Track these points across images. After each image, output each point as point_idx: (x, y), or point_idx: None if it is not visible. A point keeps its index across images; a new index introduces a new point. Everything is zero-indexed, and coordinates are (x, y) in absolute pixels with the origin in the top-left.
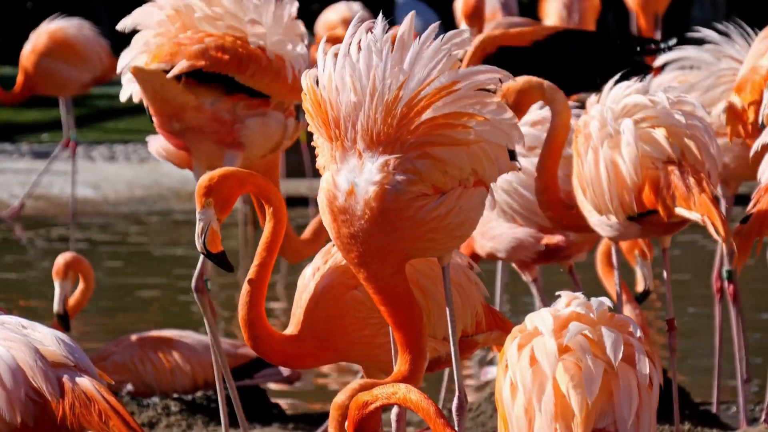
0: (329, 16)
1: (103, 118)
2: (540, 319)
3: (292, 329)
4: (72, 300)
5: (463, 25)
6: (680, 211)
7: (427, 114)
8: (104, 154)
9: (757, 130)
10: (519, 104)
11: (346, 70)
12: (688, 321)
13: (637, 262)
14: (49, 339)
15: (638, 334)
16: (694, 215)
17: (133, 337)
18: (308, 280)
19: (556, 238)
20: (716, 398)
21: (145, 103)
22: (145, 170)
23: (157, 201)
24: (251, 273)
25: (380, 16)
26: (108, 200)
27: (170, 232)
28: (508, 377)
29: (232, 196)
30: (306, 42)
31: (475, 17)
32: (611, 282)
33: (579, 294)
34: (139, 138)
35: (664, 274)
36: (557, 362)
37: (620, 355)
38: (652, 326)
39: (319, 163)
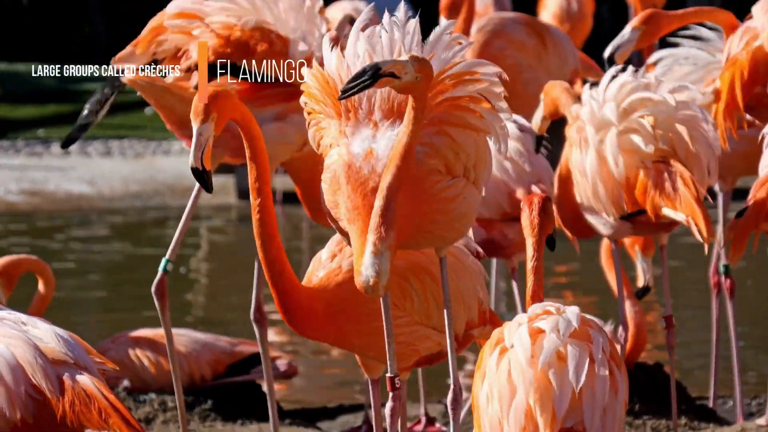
0: (333, 14)
1: None
2: (516, 334)
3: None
4: (31, 308)
5: (442, 19)
6: (666, 211)
7: (450, 93)
8: (99, 149)
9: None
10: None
11: (360, 45)
12: (684, 315)
13: (637, 258)
14: (48, 336)
15: (600, 343)
16: (679, 216)
17: (130, 334)
18: (326, 261)
19: (494, 233)
20: (713, 393)
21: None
22: (140, 166)
23: (152, 196)
24: (255, 222)
25: (402, 2)
26: (103, 196)
27: (165, 227)
28: (486, 384)
29: (228, 117)
30: (323, 31)
31: (453, 10)
32: (614, 276)
33: (550, 306)
34: (135, 134)
35: (663, 269)
36: (530, 378)
37: (583, 379)
38: (651, 325)
39: (325, 143)
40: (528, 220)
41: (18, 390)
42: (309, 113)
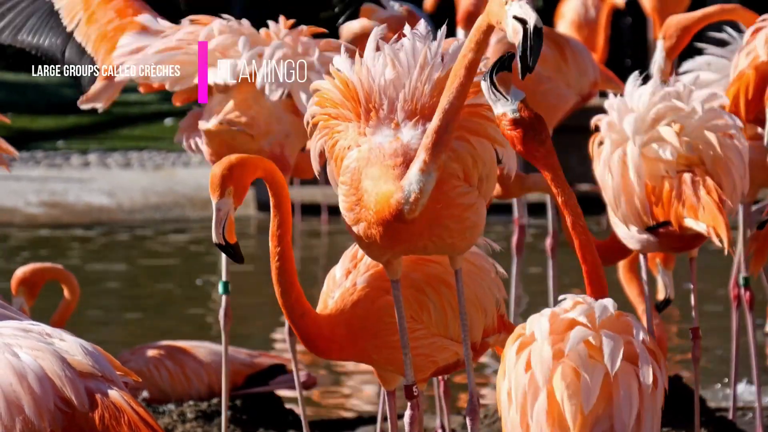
0: (352, 26)
1: (118, 125)
2: (537, 324)
3: (326, 313)
4: (56, 314)
5: (459, 30)
6: (689, 222)
7: (473, 100)
8: (119, 161)
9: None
10: None
11: (385, 51)
12: (703, 326)
13: (658, 271)
14: (75, 348)
15: (641, 336)
16: (701, 226)
17: (149, 345)
18: (340, 279)
19: None
20: (733, 404)
21: (206, 151)
22: (159, 177)
23: (172, 208)
24: (273, 269)
25: (422, 20)
26: (123, 207)
27: (185, 239)
28: (506, 382)
29: (248, 183)
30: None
31: (471, 22)
32: (633, 290)
33: (585, 297)
34: (154, 145)
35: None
36: (552, 369)
37: (618, 363)
38: (670, 336)
39: (342, 145)
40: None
41: (47, 403)
42: (316, 123)
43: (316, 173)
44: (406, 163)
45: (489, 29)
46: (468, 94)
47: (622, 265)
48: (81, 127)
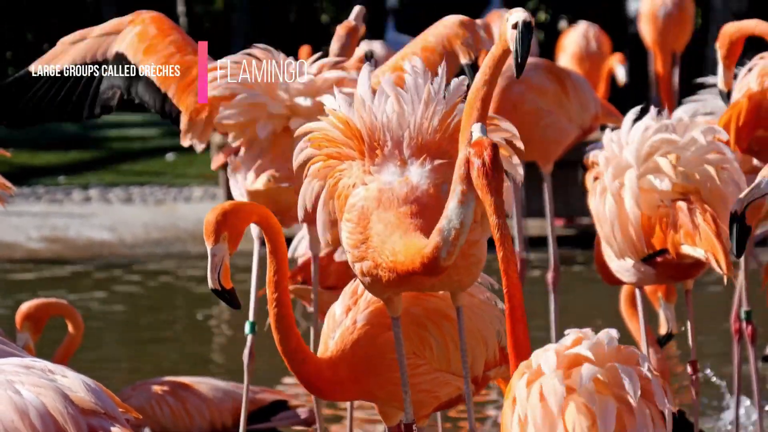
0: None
1: (119, 160)
2: (544, 358)
3: (327, 356)
4: (60, 350)
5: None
6: (686, 248)
7: None
8: (120, 196)
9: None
10: None
11: (386, 87)
12: (704, 360)
13: (660, 305)
14: (77, 385)
15: (646, 365)
16: (698, 252)
17: (150, 382)
18: (340, 317)
19: None
20: None
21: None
22: (161, 212)
23: (173, 243)
24: (272, 315)
25: (419, 60)
26: (125, 242)
27: (187, 273)
28: (516, 413)
29: (243, 229)
30: None
31: None
32: (635, 324)
33: (587, 331)
34: (156, 180)
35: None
36: (565, 401)
37: (638, 393)
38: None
39: (345, 183)
40: (481, 172)
41: None
42: (314, 163)
43: (300, 216)
44: (422, 210)
45: (504, 55)
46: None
47: (623, 300)
48: (82, 163)
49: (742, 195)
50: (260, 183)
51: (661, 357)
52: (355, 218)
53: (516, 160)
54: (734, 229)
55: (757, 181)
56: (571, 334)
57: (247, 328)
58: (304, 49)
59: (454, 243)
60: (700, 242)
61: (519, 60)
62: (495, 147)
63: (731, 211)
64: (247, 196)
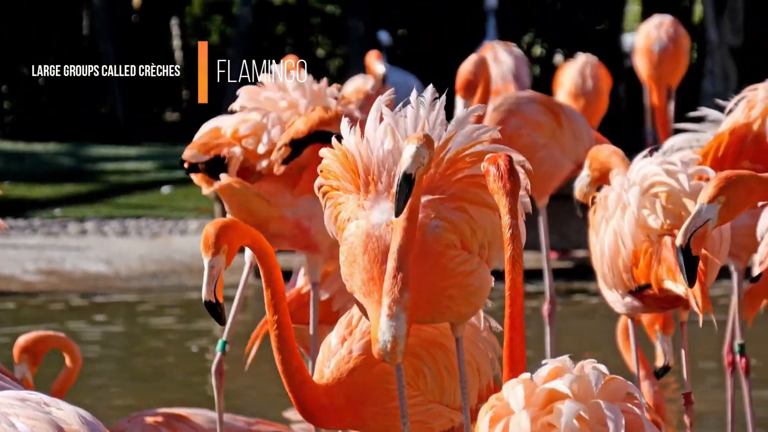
0: (347, 90)
1: (115, 193)
2: (513, 392)
3: (323, 383)
4: (57, 382)
5: (458, 98)
6: (668, 284)
7: (469, 171)
8: (116, 229)
9: None
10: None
11: (386, 120)
12: (697, 393)
13: (657, 337)
14: (72, 418)
15: (636, 399)
16: (679, 288)
17: (145, 413)
18: (336, 347)
19: None
20: None
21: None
22: (157, 245)
23: (169, 276)
24: (273, 338)
25: (431, 86)
26: (120, 275)
27: (183, 306)
28: None
29: (237, 247)
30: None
31: (469, 90)
32: (629, 357)
33: (565, 359)
34: (151, 213)
35: (682, 349)
36: None
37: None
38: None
39: (343, 216)
40: (497, 175)
41: None
42: (324, 194)
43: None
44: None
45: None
46: (458, 178)
47: (619, 332)
48: (78, 196)
49: (683, 227)
50: (225, 178)
51: (657, 390)
52: (345, 251)
53: (522, 191)
54: (681, 261)
55: (695, 210)
56: (549, 364)
57: (218, 345)
58: None
59: (392, 353)
60: (681, 278)
61: (400, 208)
62: (510, 157)
63: (677, 244)
64: (218, 192)
